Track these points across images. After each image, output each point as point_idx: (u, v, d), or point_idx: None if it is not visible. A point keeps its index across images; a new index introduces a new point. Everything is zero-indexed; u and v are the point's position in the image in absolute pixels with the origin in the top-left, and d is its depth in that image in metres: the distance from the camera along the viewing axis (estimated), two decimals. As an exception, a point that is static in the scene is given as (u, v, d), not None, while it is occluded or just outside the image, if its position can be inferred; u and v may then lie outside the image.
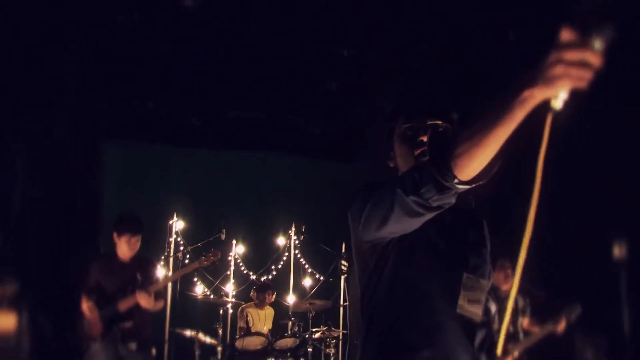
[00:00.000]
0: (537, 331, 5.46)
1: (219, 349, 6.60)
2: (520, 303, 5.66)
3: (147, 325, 5.41)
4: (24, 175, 6.78)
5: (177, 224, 7.34)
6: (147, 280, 5.35)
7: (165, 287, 6.24)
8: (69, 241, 6.98)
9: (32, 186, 6.78)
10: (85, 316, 5.24)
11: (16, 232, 6.59)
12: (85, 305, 5.23)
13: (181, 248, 7.15)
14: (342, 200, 7.13)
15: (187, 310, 7.07)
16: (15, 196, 6.72)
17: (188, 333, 6.53)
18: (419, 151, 2.10)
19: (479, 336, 2.09)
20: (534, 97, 1.48)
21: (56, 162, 6.91)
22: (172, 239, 7.24)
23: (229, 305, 7.43)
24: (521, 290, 5.70)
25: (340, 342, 7.31)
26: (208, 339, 6.58)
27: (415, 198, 1.78)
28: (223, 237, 6.69)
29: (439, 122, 2.11)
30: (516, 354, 5.40)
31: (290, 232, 8.04)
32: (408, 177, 1.80)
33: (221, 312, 6.74)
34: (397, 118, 2.20)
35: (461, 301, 2.04)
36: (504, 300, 5.57)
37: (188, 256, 7.19)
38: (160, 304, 5.44)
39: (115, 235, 5.30)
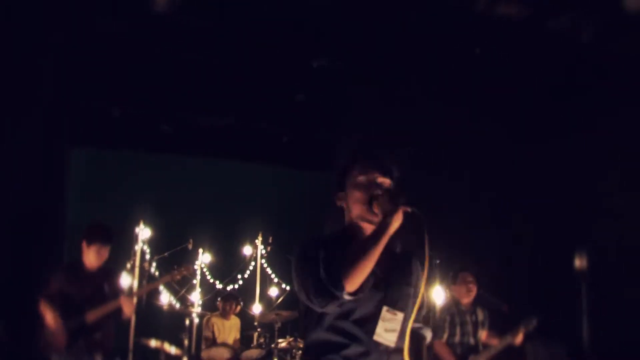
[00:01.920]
0: (496, 343, 5.55)
1: (185, 358, 6.51)
2: (480, 315, 5.73)
3: (111, 336, 5.33)
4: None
5: (143, 232, 7.26)
6: (113, 290, 5.27)
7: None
8: (30, 249, 6.79)
9: None
10: (49, 326, 5.06)
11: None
12: (50, 315, 5.05)
13: (147, 257, 7.08)
14: (310, 210, 7.21)
15: (152, 319, 6.99)
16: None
17: (153, 343, 6.44)
18: (375, 194, 2.61)
19: (386, 354, 2.55)
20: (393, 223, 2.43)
21: (20, 168, 6.76)
22: (137, 247, 7.17)
23: (195, 315, 7.36)
24: (481, 303, 5.79)
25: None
26: (173, 350, 6.49)
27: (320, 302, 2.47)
28: (190, 247, 6.72)
29: (387, 179, 2.63)
30: (476, 365, 5.50)
31: (256, 241, 8.02)
32: (312, 288, 2.48)
33: (187, 322, 6.69)
34: (352, 169, 2.68)
35: (379, 330, 2.52)
36: (464, 314, 5.65)
37: (154, 264, 7.27)
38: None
39: (84, 243, 5.17)
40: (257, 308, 7.78)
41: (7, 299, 6.34)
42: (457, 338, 5.60)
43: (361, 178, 2.64)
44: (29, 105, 6.97)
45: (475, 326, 5.67)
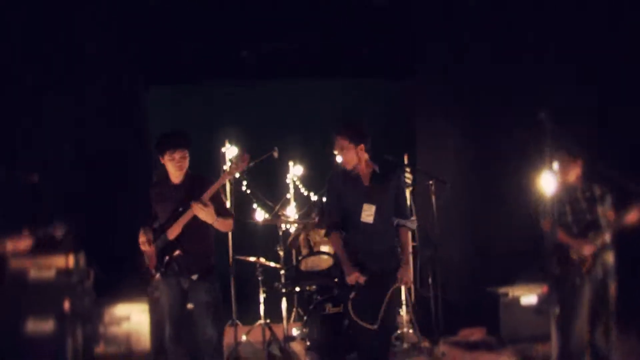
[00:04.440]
0: (618, 218, 4.99)
1: (283, 272, 6.41)
2: (598, 191, 5.15)
3: (207, 253, 4.92)
4: (73, 126, 6.79)
5: (230, 151, 6.87)
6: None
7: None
8: (119, 189, 6.93)
9: (81, 138, 6.83)
10: (144, 250, 4.85)
11: (71, 182, 6.64)
12: (141, 239, 4.80)
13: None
14: (399, 115, 7.51)
15: (248, 238, 6.85)
16: (67, 147, 6.75)
17: (250, 259, 6.41)
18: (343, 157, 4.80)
19: (372, 229, 4.64)
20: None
21: (103, 110, 6.94)
22: (226, 167, 6.77)
23: (292, 229, 7.18)
24: (595, 178, 5.19)
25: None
26: (272, 264, 6.43)
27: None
28: (276, 154, 6.26)
29: None
30: (600, 242, 4.98)
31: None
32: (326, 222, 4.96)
33: (281, 233, 6.45)
34: (366, 140, 4.72)
35: (362, 215, 4.64)
36: (574, 191, 5.16)
37: (245, 182, 7.03)
38: (229, 222, 4.88)
39: (160, 158, 4.82)
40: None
41: (101, 237, 6.52)
42: (569, 217, 5.08)
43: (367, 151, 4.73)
44: (102, 46, 7.05)
45: (591, 202, 5.10)
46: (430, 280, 6.23)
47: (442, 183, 6.01)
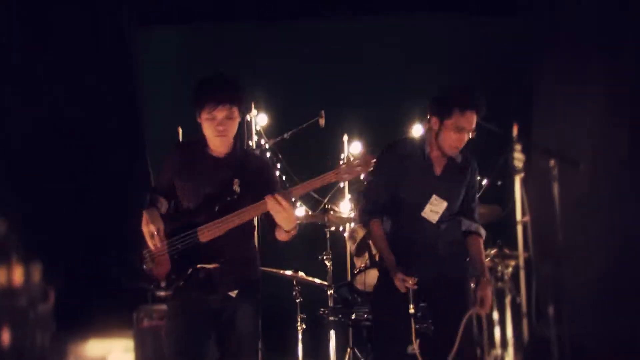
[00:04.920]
0: None
1: (331, 292, 5.10)
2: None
3: (249, 260, 3.78)
4: (40, 79, 5.90)
5: (258, 119, 5.59)
6: (253, 188, 3.64)
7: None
8: (104, 170, 6.02)
9: (49, 96, 5.93)
10: (149, 246, 3.55)
11: (30, 157, 5.69)
12: (145, 228, 3.48)
13: (266, 145, 5.42)
14: (509, 67, 6.48)
15: (279, 243, 5.26)
16: (25, 108, 5.78)
17: (284, 273, 5.23)
18: (461, 141, 3.93)
19: (434, 228, 4.00)
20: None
21: (80, 59, 5.99)
22: (252, 142, 5.53)
23: (345, 229, 5.73)
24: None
25: (522, 271, 5.21)
26: (316, 280, 5.29)
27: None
28: (322, 122, 5.06)
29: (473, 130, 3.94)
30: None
31: (429, 116, 5.95)
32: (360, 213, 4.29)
33: (329, 236, 5.19)
34: (451, 112, 3.85)
35: (426, 209, 3.97)
36: None
37: (279, 165, 5.72)
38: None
39: (197, 117, 3.72)
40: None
41: (69, 239, 5.64)
42: None
43: (454, 128, 3.87)
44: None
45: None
46: (551, 310, 4.81)
47: (570, 166, 4.85)
